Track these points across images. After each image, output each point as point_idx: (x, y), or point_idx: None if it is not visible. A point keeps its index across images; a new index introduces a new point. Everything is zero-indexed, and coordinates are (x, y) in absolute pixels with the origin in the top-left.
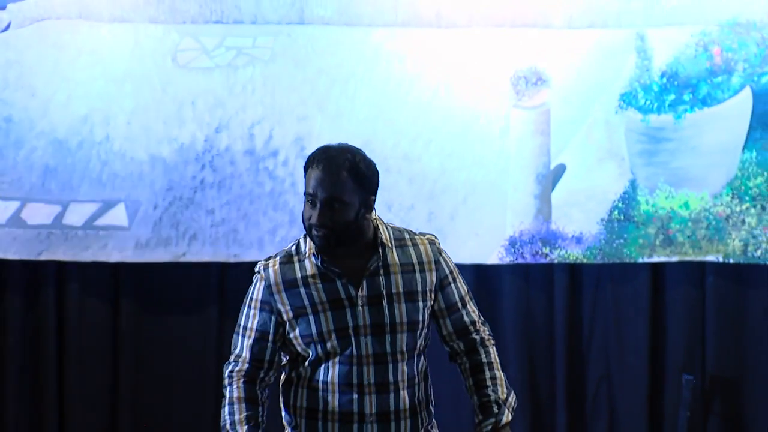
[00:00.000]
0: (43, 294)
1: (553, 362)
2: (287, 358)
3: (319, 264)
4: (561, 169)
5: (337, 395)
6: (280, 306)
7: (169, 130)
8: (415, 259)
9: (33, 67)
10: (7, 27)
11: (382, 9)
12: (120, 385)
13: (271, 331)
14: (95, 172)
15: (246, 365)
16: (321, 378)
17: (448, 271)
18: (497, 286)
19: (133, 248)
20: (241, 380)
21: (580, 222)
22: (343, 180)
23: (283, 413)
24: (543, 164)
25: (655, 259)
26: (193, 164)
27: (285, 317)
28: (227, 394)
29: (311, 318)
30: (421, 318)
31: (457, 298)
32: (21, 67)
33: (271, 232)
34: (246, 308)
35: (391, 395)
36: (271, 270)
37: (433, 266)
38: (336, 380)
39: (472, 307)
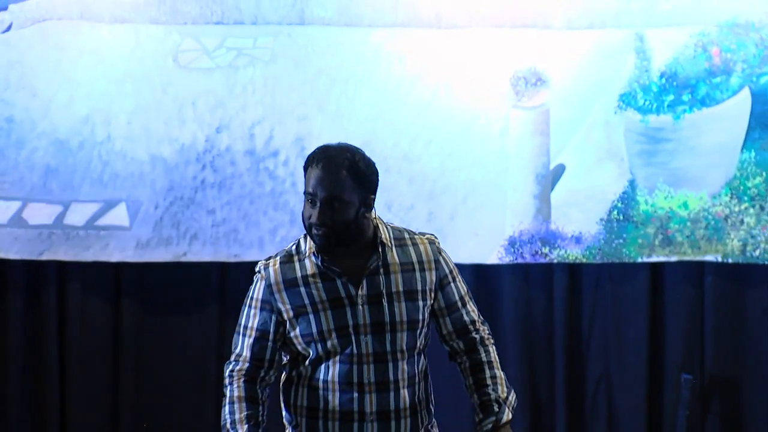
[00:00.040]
0: (45, 294)
1: (553, 362)
2: (288, 357)
3: (319, 263)
4: (560, 170)
5: (337, 394)
6: (280, 305)
7: (169, 130)
8: (414, 259)
9: (34, 68)
10: (9, 28)
11: (382, 10)
12: (121, 385)
13: (271, 330)
14: (96, 172)
15: (246, 364)
16: (321, 377)
17: (447, 271)
18: (497, 286)
19: (134, 248)
20: (242, 379)
21: (579, 222)
22: (342, 179)
23: (284, 412)
24: (542, 164)
25: (654, 258)
26: (194, 164)
27: (285, 316)
28: (228, 394)
29: (311, 317)
30: (421, 317)
31: (457, 298)
32: (22, 68)
33: (272, 232)
34: (246, 308)
35: (392, 394)
36: (271, 269)
37: (433, 265)
38: (336, 379)
39: (471, 306)
